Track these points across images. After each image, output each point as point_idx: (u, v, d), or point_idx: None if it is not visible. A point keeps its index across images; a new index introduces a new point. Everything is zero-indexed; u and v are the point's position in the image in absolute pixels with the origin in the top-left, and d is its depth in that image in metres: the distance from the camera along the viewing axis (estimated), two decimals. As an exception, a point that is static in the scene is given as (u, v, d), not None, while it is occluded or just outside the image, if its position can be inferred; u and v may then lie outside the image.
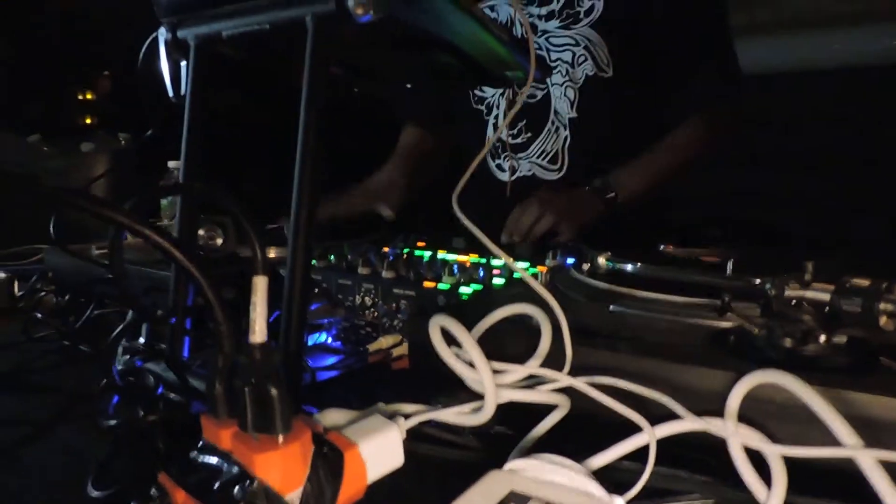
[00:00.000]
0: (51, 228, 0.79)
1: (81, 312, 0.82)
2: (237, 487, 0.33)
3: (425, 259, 0.82)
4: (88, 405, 0.57)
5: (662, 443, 0.41)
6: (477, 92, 1.35)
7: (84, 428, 0.54)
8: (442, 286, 0.70)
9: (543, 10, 1.25)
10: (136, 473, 0.40)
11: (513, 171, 1.32)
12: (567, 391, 0.45)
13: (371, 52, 0.65)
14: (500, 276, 0.75)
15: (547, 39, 1.25)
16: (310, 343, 0.73)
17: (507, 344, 0.50)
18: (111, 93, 4.97)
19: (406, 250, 0.88)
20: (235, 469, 0.34)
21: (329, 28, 0.53)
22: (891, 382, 0.40)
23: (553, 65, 1.24)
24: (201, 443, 0.36)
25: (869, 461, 0.33)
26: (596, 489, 0.38)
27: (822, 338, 0.44)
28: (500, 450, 0.44)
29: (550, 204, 1.11)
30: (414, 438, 0.42)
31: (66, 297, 0.85)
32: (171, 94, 0.69)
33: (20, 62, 4.73)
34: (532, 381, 0.47)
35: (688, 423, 0.41)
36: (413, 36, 0.60)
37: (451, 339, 0.46)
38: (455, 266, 0.76)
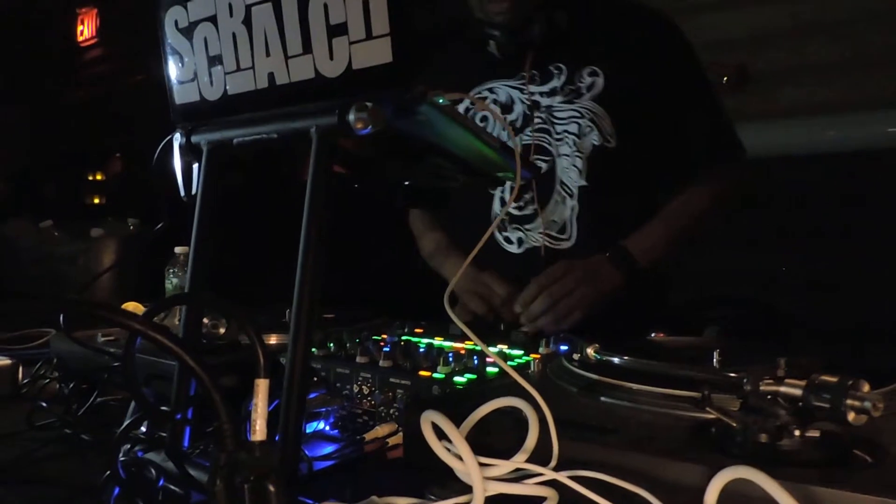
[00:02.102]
0: (60, 319, 0.82)
1: (84, 400, 0.84)
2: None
3: (421, 347, 0.84)
4: (89, 498, 0.59)
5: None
6: None
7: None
8: (437, 375, 0.72)
9: (546, 88, 1.29)
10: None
11: (521, 243, 1.32)
12: (553, 484, 0.46)
13: (371, 156, 0.70)
14: (494, 364, 0.78)
15: (551, 114, 1.28)
16: (308, 430, 0.75)
17: (497, 436, 0.52)
18: (122, 173, 5.11)
19: (404, 338, 0.91)
20: (233, 564, 0.35)
21: (332, 138, 0.58)
22: (862, 478, 0.42)
23: (558, 136, 1.28)
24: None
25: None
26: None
27: (797, 432, 0.46)
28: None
29: (583, 286, 1.12)
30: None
31: (71, 385, 0.87)
32: (182, 192, 0.73)
33: (37, 144, 4.89)
34: (521, 474, 0.48)
35: (669, 518, 0.42)
36: (409, 142, 0.65)
37: (443, 433, 0.48)
38: (451, 354, 0.79)
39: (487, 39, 1.28)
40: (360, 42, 0.56)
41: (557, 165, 1.28)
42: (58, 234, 1.66)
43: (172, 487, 0.54)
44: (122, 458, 0.56)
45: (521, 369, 0.77)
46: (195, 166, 0.72)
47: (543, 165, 1.28)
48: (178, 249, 1.49)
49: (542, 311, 1.11)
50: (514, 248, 1.32)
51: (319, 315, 0.61)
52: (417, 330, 1.00)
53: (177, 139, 0.73)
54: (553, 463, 0.47)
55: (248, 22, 0.64)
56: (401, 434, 0.69)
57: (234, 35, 0.65)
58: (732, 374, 0.51)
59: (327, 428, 0.77)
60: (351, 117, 0.55)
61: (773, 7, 2.21)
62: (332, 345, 0.86)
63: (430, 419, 0.45)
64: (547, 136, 1.29)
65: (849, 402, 0.44)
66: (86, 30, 5.12)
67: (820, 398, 0.46)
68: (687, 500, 0.43)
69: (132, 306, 1.36)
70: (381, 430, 0.70)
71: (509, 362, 0.81)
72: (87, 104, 4.91)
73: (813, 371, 0.48)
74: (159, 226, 0.88)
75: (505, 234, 1.34)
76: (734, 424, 0.48)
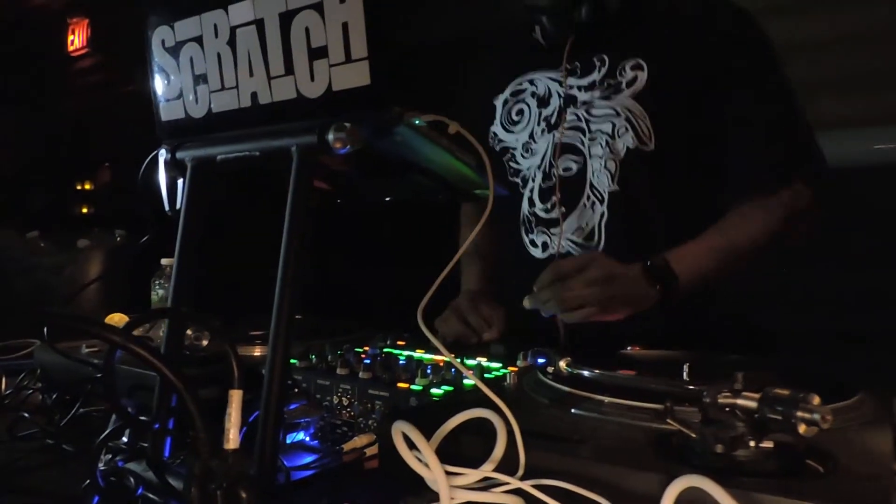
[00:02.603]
0: (44, 331, 0.83)
1: (67, 411, 0.85)
2: (205, 586, 0.36)
3: (401, 359, 0.86)
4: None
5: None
6: (512, 164, 1.29)
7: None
8: (415, 388, 0.74)
9: (585, 81, 1.20)
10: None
11: (545, 247, 1.24)
12: (519, 492, 0.48)
13: (352, 173, 0.72)
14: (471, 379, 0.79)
15: (587, 111, 1.19)
16: (288, 441, 0.76)
17: (468, 446, 0.54)
18: (110, 183, 5.10)
19: (385, 350, 0.92)
20: (205, 568, 0.37)
21: (312, 156, 0.60)
22: (813, 489, 0.44)
23: (591, 136, 1.18)
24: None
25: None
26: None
27: (752, 443, 0.48)
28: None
29: (602, 285, 1.00)
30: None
31: (54, 396, 0.88)
32: (167, 207, 0.75)
33: (25, 153, 4.87)
34: (488, 483, 0.50)
35: (628, 525, 0.44)
36: (389, 161, 0.67)
37: (413, 443, 0.50)
38: (429, 367, 0.81)
39: (532, 24, 1.21)
40: (340, 65, 0.58)
41: (588, 167, 1.18)
42: (44, 244, 1.67)
43: (151, 496, 0.55)
44: (101, 468, 0.57)
45: (498, 382, 0.79)
46: (179, 181, 0.74)
47: (573, 167, 1.19)
48: (164, 261, 1.51)
49: (548, 299, 1.02)
50: (538, 253, 1.24)
51: (298, 326, 0.62)
52: (400, 343, 1.01)
53: (162, 155, 0.75)
54: (520, 472, 0.49)
55: (232, 43, 0.66)
56: (378, 447, 0.70)
57: (219, 55, 0.67)
58: (692, 388, 0.53)
59: (307, 439, 0.78)
60: (330, 137, 0.57)
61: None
62: (313, 357, 0.88)
63: (400, 429, 0.47)
64: (580, 135, 1.20)
65: (799, 414, 0.47)
66: (76, 39, 5.13)
67: (773, 410, 0.48)
68: (638, 493, 0.45)
69: (118, 317, 1.37)
70: (359, 441, 0.71)
71: (486, 374, 0.83)
72: (77, 113, 4.92)
73: (768, 384, 0.50)
74: (144, 238, 0.90)
75: (531, 236, 1.25)
76: (693, 435, 0.50)
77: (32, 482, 0.69)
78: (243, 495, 0.37)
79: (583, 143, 1.19)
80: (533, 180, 1.25)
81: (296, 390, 0.80)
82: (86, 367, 0.90)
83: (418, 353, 0.93)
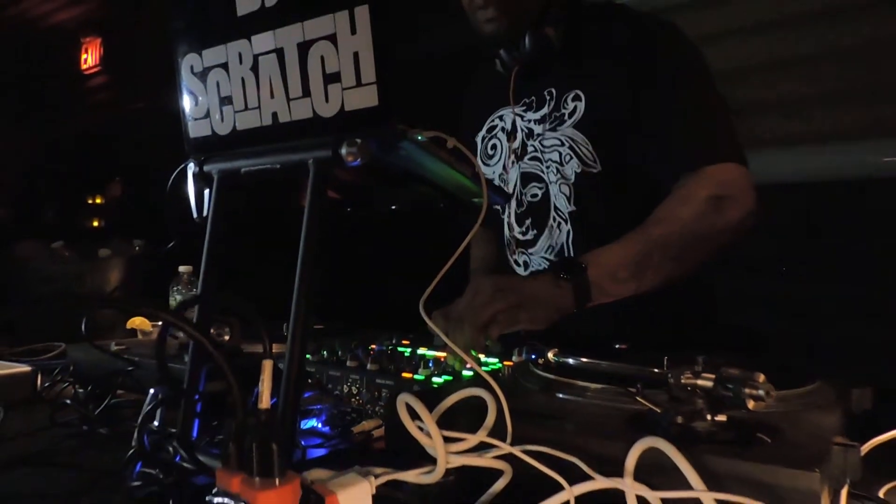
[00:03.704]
0: (82, 327, 0.92)
1: (100, 402, 0.93)
2: (243, 520, 0.44)
3: (406, 354, 0.93)
4: (110, 480, 0.68)
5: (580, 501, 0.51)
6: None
7: (106, 499, 0.64)
8: (418, 377, 0.82)
9: (537, 115, 1.33)
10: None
11: (527, 266, 1.35)
12: (507, 458, 0.56)
13: (363, 184, 0.80)
14: (469, 369, 0.87)
15: (540, 142, 1.31)
16: (303, 427, 0.84)
17: (463, 422, 0.61)
18: (121, 197, 5.20)
19: (391, 347, 1.00)
20: (242, 506, 0.44)
21: (326, 169, 0.68)
22: (757, 452, 0.51)
23: (546, 164, 1.30)
24: (215, 489, 0.47)
25: (709, 500, 0.44)
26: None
27: (708, 417, 0.56)
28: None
29: (504, 293, 0.99)
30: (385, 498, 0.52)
31: (88, 388, 0.96)
32: (195, 215, 0.83)
33: (38, 169, 4.98)
34: (480, 453, 0.58)
35: (598, 483, 0.51)
36: (394, 173, 0.75)
37: (417, 418, 0.57)
38: (431, 361, 0.88)
39: (489, 56, 1.32)
40: (352, 88, 0.67)
41: (551, 192, 1.31)
42: (68, 254, 1.75)
43: (186, 465, 0.62)
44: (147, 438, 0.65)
45: (494, 374, 0.86)
46: (206, 192, 0.82)
47: (539, 193, 1.32)
48: (181, 268, 1.59)
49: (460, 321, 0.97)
50: (521, 271, 1.36)
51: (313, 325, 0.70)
52: (405, 341, 1.09)
53: (190, 168, 0.83)
54: (508, 440, 0.57)
55: (255, 69, 0.74)
56: (384, 428, 0.78)
57: (242, 79, 0.76)
58: (658, 371, 0.60)
59: (319, 425, 0.86)
60: (343, 151, 0.65)
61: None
62: (325, 352, 0.95)
63: (404, 400, 0.55)
64: (539, 164, 1.33)
65: (747, 390, 0.54)
66: (90, 58, 5.27)
67: (725, 388, 0.55)
68: (615, 470, 0.52)
69: (139, 321, 1.45)
70: (367, 425, 0.79)
71: (483, 367, 0.90)
72: (90, 130, 5.04)
73: (723, 367, 0.57)
74: (171, 244, 0.98)
75: (514, 257, 1.38)
76: (658, 410, 0.58)
77: (73, 461, 0.77)
78: (274, 446, 0.44)
79: (542, 172, 1.32)
80: (509, 207, 1.40)
81: (309, 381, 0.88)
82: (116, 362, 0.99)
83: (421, 350, 1.00)
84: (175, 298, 1.56)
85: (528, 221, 1.34)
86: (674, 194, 1.16)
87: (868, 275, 2.04)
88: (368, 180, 0.78)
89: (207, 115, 0.81)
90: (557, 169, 1.29)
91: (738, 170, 1.17)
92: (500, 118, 1.41)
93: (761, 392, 0.54)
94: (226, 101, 0.78)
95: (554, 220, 1.32)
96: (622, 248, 1.10)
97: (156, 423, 0.75)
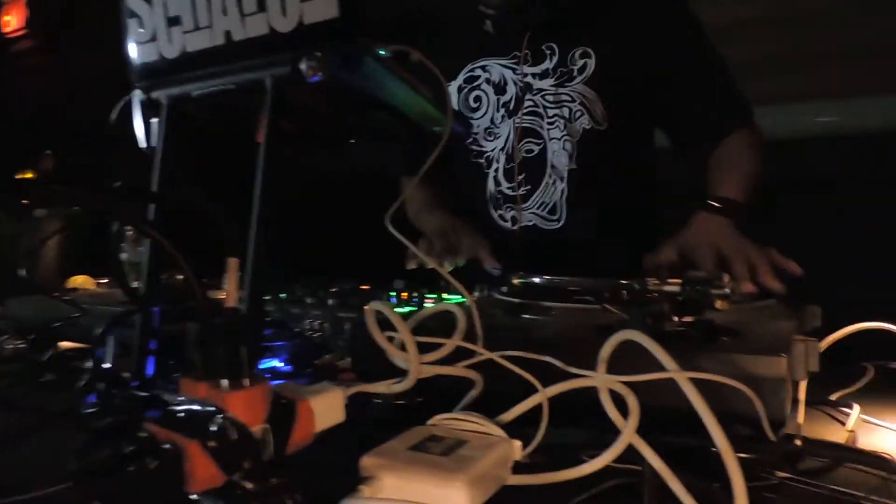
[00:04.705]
0: (23, 272, 0.86)
1: (42, 352, 0.88)
2: (212, 421, 0.42)
3: (368, 291, 0.92)
4: (62, 418, 0.65)
5: (554, 405, 0.51)
6: (475, 147, 1.39)
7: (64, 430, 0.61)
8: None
9: (538, 69, 1.30)
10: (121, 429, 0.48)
11: (515, 221, 1.34)
12: (481, 366, 0.55)
13: (320, 110, 0.77)
14: (432, 304, 0.86)
15: (543, 97, 1.29)
16: (262, 366, 0.82)
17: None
18: (53, 171, 4.95)
19: (351, 287, 0.98)
20: (211, 408, 0.42)
21: (284, 87, 0.66)
22: (717, 346, 0.53)
23: (550, 120, 1.29)
24: (178, 400, 0.45)
25: (682, 378, 0.45)
26: (500, 433, 0.48)
27: (675, 318, 0.57)
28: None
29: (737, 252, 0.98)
30: (357, 406, 0.51)
31: (31, 337, 0.91)
32: (143, 145, 0.79)
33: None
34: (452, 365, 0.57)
35: (574, 382, 0.52)
36: (354, 97, 0.73)
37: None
38: (393, 297, 0.87)
39: (483, 18, 1.27)
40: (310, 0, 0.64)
41: (548, 149, 1.30)
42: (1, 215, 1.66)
43: (140, 393, 0.60)
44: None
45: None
46: (154, 121, 0.78)
47: (535, 149, 1.31)
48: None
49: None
50: (508, 226, 1.36)
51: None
52: (363, 286, 1.07)
53: (136, 96, 0.79)
54: (480, 344, 0.56)
55: (206, -16, 0.70)
56: (349, 360, 0.77)
57: (192, -3, 0.72)
58: (624, 281, 0.61)
59: (281, 364, 0.84)
60: (303, 66, 0.63)
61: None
62: (285, 294, 0.93)
63: (374, 309, 0.54)
64: (538, 120, 1.31)
65: (713, 291, 0.55)
66: (13, 20, 4.96)
67: (693, 290, 0.57)
68: (588, 364, 0.52)
69: (81, 280, 1.39)
70: (331, 358, 0.77)
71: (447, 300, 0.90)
72: (16, 99, 4.76)
73: (688, 271, 0.58)
74: (117, 183, 0.93)
75: (499, 212, 1.37)
76: (626, 317, 0.59)
77: (24, 403, 0.73)
78: (242, 345, 0.42)
79: (542, 128, 1.30)
80: (497, 161, 1.36)
81: (268, 318, 0.86)
82: (59, 311, 0.94)
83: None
84: (123, 256, 1.50)
85: (520, 177, 1.33)
86: (724, 151, 1.25)
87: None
88: (327, 104, 0.75)
89: (154, 38, 0.76)
90: (565, 125, 1.28)
91: (755, 130, 1.30)
92: (484, 69, 1.36)
93: (727, 291, 0.55)
94: (174, 21, 0.74)
95: (549, 177, 1.31)
96: (743, 182, 1.18)
97: (107, 365, 0.73)
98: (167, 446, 0.41)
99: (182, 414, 0.43)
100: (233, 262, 0.44)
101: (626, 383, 0.49)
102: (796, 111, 2.18)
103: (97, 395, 0.60)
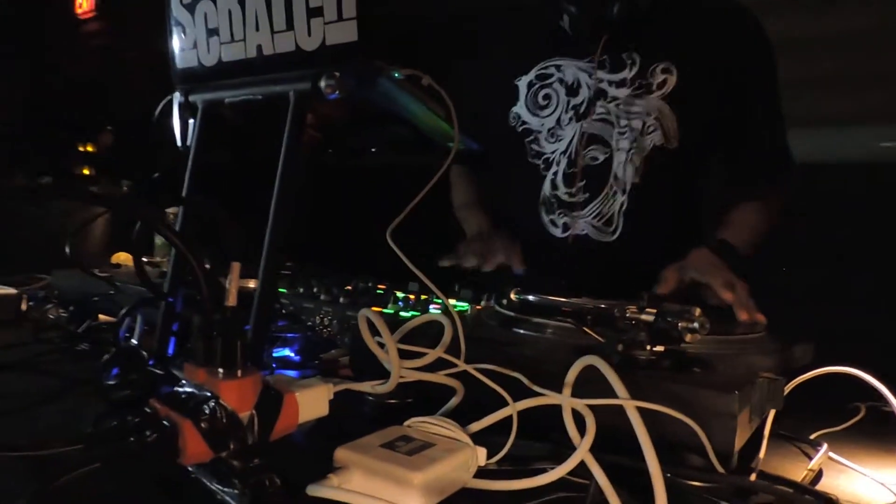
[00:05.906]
0: (67, 250, 0.95)
1: (81, 322, 0.96)
2: (206, 404, 0.47)
3: (379, 292, 0.97)
4: (87, 386, 0.72)
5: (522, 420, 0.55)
6: (534, 146, 1.35)
7: (86, 397, 0.68)
8: (387, 311, 0.85)
9: (615, 77, 1.26)
10: (134, 401, 0.54)
11: (566, 228, 1.31)
12: (459, 376, 0.60)
13: (341, 123, 0.83)
14: (437, 309, 0.91)
15: (617, 105, 1.26)
16: (275, 354, 0.88)
17: (422, 343, 0.65)
18: (112, 146, 5.18)
19: (365, 286, 1.04)
20: (207, 393, 0.48)
21: (306, 101, 0.71)
22: (685, 377, 0.56)
23: (621, 130, 1.26)
24: (182, 382, 0.51)
25: (630, 406, 0.49)
26: (466, 440, 0.53)
27: (648, 347, 0.60)
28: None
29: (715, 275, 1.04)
30: (343, 404, 0.56)
31: (70, 308, 0.99)
32: (179, 143, 0.86)
33: (31, 112, 4.94)
34: (435, 372, 0.62)
35: (539, 399, 0.56)
36: (372, 111, 0.78)
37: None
38: (401, 301, 0.92)
39: (561, 14, 1.26)
40: (333, 23, 0.69)
41: (614, 159, 1.27)
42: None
43: (157, 371, 0.66)
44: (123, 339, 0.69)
45: (459, 314, 0.90)
46: (191, 121, 0.85)
47: (600, 157, 1.27)
48: (169, 210, 1.62)
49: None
50: (558, 233, 1.32)
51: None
52: (381, 286, 1.12)
53: (176, 98, 0.86)
54: (462, 358, 0.61)
55: (241, 2, 0.76)
56: (350, 353, 0.82)
57: (229, 12, 0.78)
58: (606, 306, 0.65)
59: (292, 354, 0.90)
60: (322, 84, 0.68)
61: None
62: (301, 288, 0.99)
63: (366, 315, 0.59)
64: (609, 128, 1.27)
65: (682, 324, 0.58)
66: (84, 2, 5.19)
67: (664, 321, 0.60)
68: (556, 386, 0.56)
69: (123, 257, 1.49)
70: (335, 353, 0.83)
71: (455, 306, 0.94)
72: (83, 77, 4.99)
73: (665, 303, 0.62)
74: (155, 174, 1.00)
75: (551, 216, 1.32)
76: (601, 340, 0.62)
77: (55, 369, 0.81)
78: (238, 341, 0.48)
79: (611, 136, 1.27)
80: (557, 164, 1.32)
81: (283, 311, 0.92)
82: (98, 286, 1.02)
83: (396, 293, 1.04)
84: (160, 238, 1.59)
85: (580, 184, 1.28)
86: (758, 199, 1.28)
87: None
88: (347, 118, 0.80)
89: (195, 46, 0.83)
90: (636, 138, 1.25)
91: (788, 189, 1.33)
92: (558, 68, 1.31)
93: (696, 325, 0.58)
94: (212, 33, 0.80)
95: (611, 188, 1.27)
96: (747, 240, 1.21)
97: (134, 341, 0.80)
98: (165, 423, 0.47)
99: (183, 395, 0.49)
100: (235, 266, 0.49)
101: (588, 406, 0.53)
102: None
103: (119, 368, 0.66)
